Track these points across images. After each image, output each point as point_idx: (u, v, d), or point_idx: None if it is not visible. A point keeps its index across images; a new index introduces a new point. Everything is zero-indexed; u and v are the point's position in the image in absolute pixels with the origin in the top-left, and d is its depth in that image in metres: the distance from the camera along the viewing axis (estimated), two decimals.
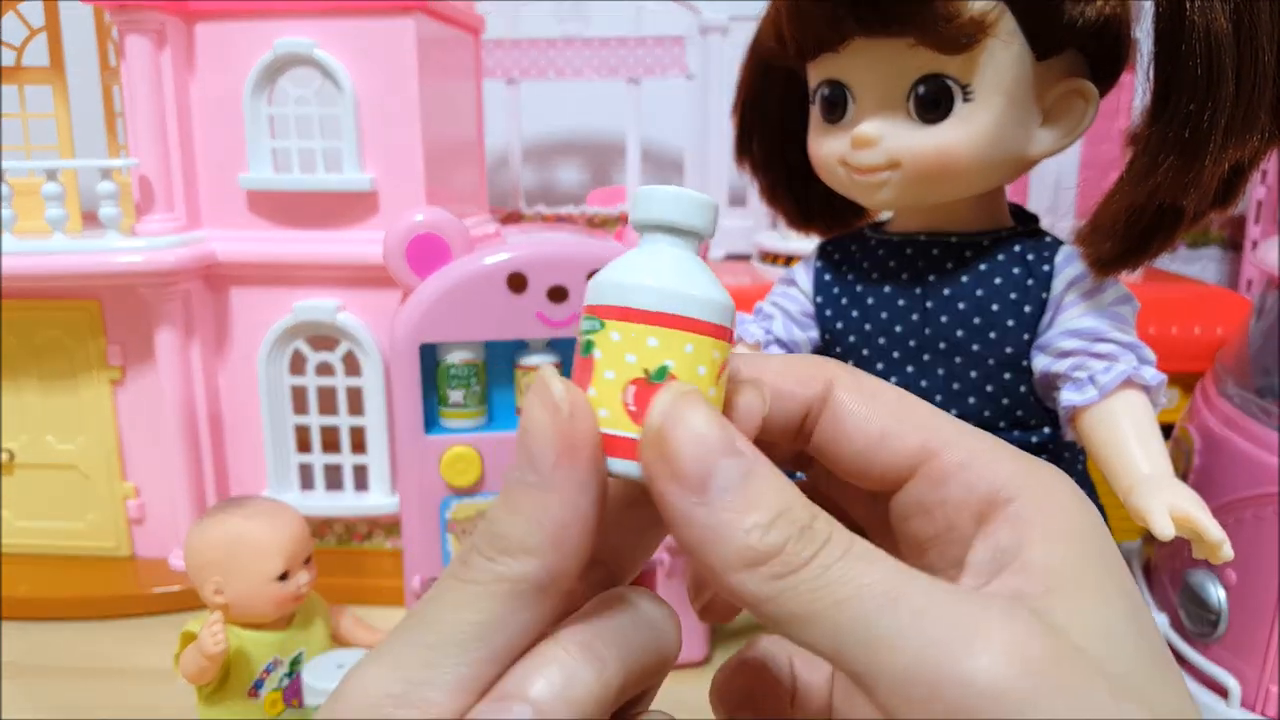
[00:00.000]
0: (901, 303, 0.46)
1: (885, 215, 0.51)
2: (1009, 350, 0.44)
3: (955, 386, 0.45)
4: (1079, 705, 0.14)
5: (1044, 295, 0.44)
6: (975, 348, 0.44)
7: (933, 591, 0.15)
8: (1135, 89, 0.40)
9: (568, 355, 0.59)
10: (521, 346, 0.59)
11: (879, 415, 0.18)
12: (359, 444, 0.69)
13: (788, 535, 0.15)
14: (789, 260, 0.81)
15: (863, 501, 0.20)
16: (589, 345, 0.18)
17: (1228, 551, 0.36)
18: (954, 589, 0.15)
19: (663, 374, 0.17)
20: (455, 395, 0.58)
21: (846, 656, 0.15)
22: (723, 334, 0.18)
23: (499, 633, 0.16)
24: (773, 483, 0.16)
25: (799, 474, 0.21)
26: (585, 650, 0.16)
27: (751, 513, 0.15)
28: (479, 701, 0.16)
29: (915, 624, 0.14)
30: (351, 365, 0.68)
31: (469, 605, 0.16)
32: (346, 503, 0.70)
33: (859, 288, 0.48)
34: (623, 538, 0.20)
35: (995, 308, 0.44)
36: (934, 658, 0.14)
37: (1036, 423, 0.45)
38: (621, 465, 0.17)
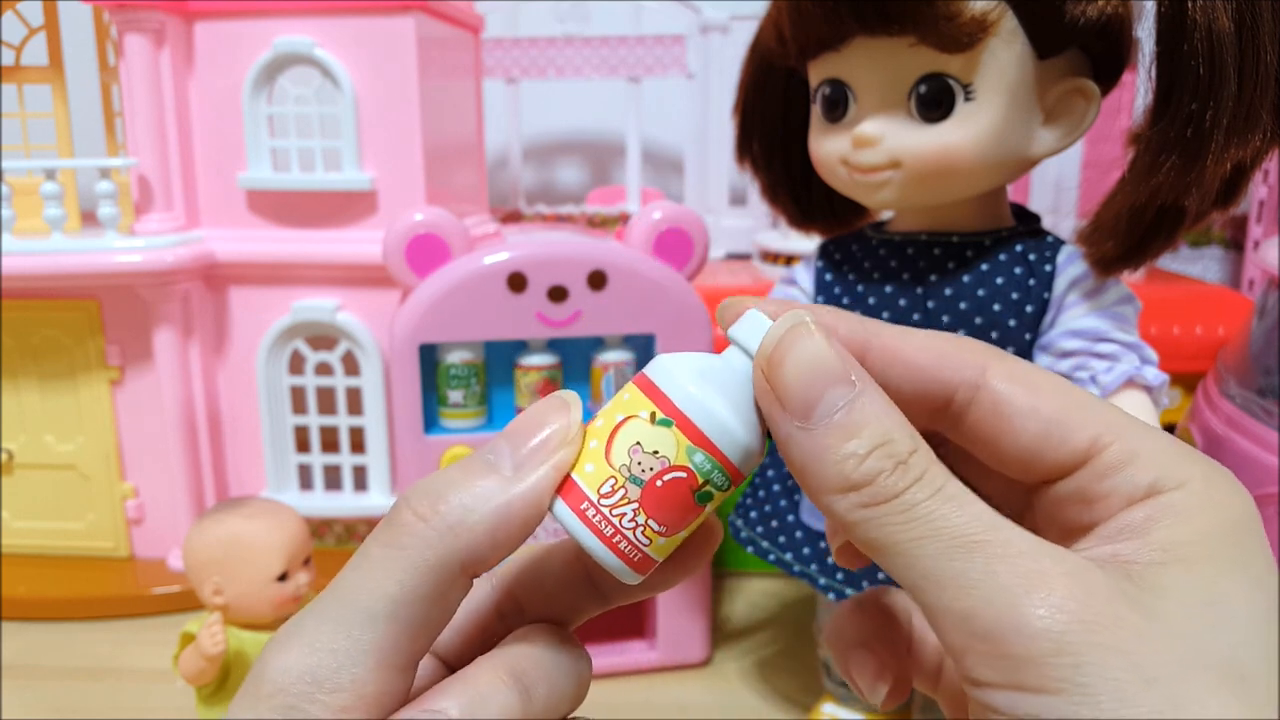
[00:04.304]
0: (903, 302, 0.46)
1: (886, 215, 0.51)
2: (1010, 350, 0.44)
3: None
4: (1135, 667, 0.14)
5: (1046, 295, 0.43)
6: None
7: (1013, 541, 0.15)
8: (1137, 88, 0.40)
9: (567, 355, 0.59)
10: (521, 346, 0.59)
11: (1046, 407, 0.17)
12: (358, 444, 0.69)
13: (881, 467, 0.16)
14: (790, 260, 0.81)
15: (1003, 485, 0.19)
16: (637, 413, 0.18)
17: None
18: (1039, 543, 0.15)
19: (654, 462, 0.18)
20: (455, 395, 0.57)
21: (920, 590, 0.15)
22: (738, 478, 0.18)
23: (422, 604, 0.16)
24: (877, 412, 0.16)
25: None
26: (515, 678, 0.17)
27: (850, 440, 0.16)
28: (403, 684, 0.16)
29: (987, 570, 0.15)
30: (351, 365, 0.68)
31: (394, 576, 0.16)
32: (346, 503, 0.70)
33: (860, 287, 0.48)
34: (558, 600, 0.20)
35: (997, 307, 0.44)
36: (997, 603, 0.14)
37: None
38: (563, 510, 0.18)
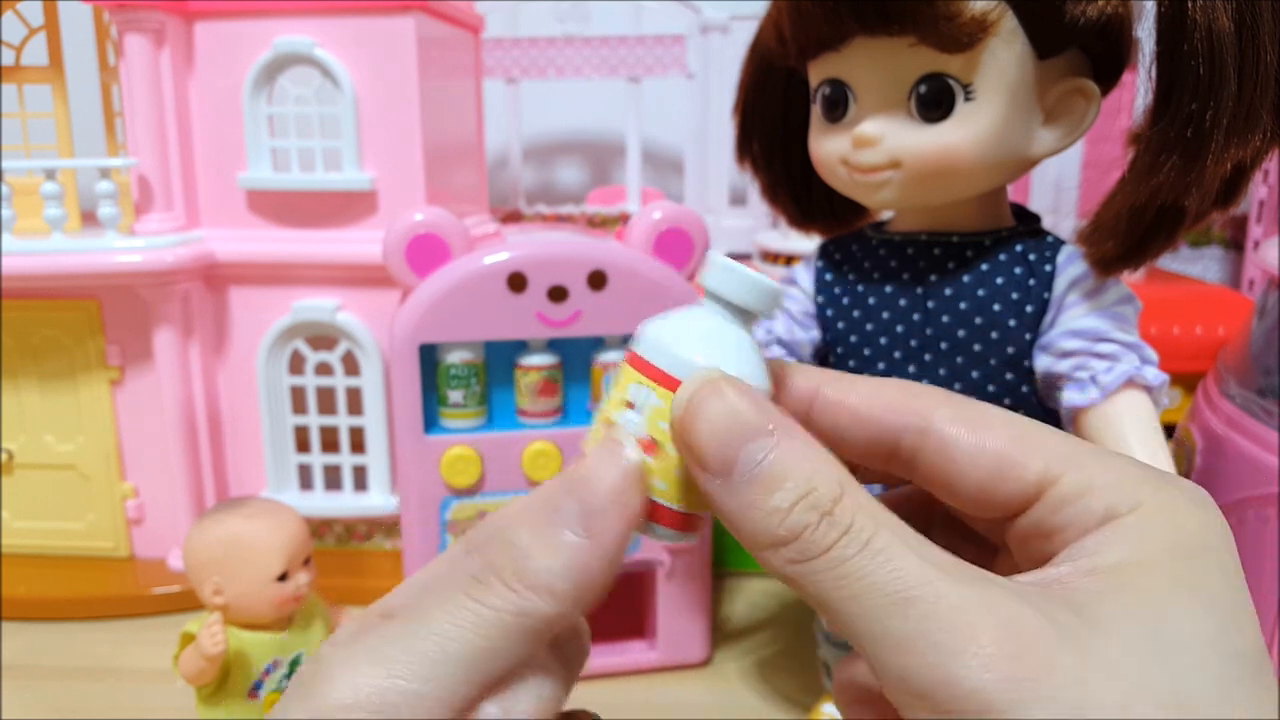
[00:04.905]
0: (903, 302, 0.46)
1: (886, 215, 0.51)
2: (1011, 350, 0.44)
3: (957, 387, 0.45)
4: (1073, 711, 0.13)
5: (1046, 295, 0.43)
6: (977, 348, 0.44)
7: (944, 595, 0.15)
8: (1137, 88, 0.40)
9: (568, 355, 0.59)
10: (521, 346, 0.59)
11: (993, 444, 0.17)
12: (358, 444, 0.69)
13: (807, 520, 0.15)
14: (790, 260, 0.81)
15: (985, 520, 0.19)
16: (651, 411, 0.18)
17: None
18: (974, 591, 0.15)
19: None
20: (455, 395, 0.57)
21: (858, 645, 0.15)
22: None
23: (499, 659, 0.16)
24: (798, 459, 0.16)
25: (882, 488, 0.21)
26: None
27: (774, 494, 0.16)
28: None
29: (918, 628, 0.14)
30: (350, 365, 0.68)
31: (479, 630, 0.16)
32: (346, 503, 0.70)
33: (860, 287, 0.48)
34: None
35: (997, 307, 0.44)
36: (929, 661, 0.14)
37: None
38: (666, 533, 0.19)
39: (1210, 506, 0.16)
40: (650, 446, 0.18)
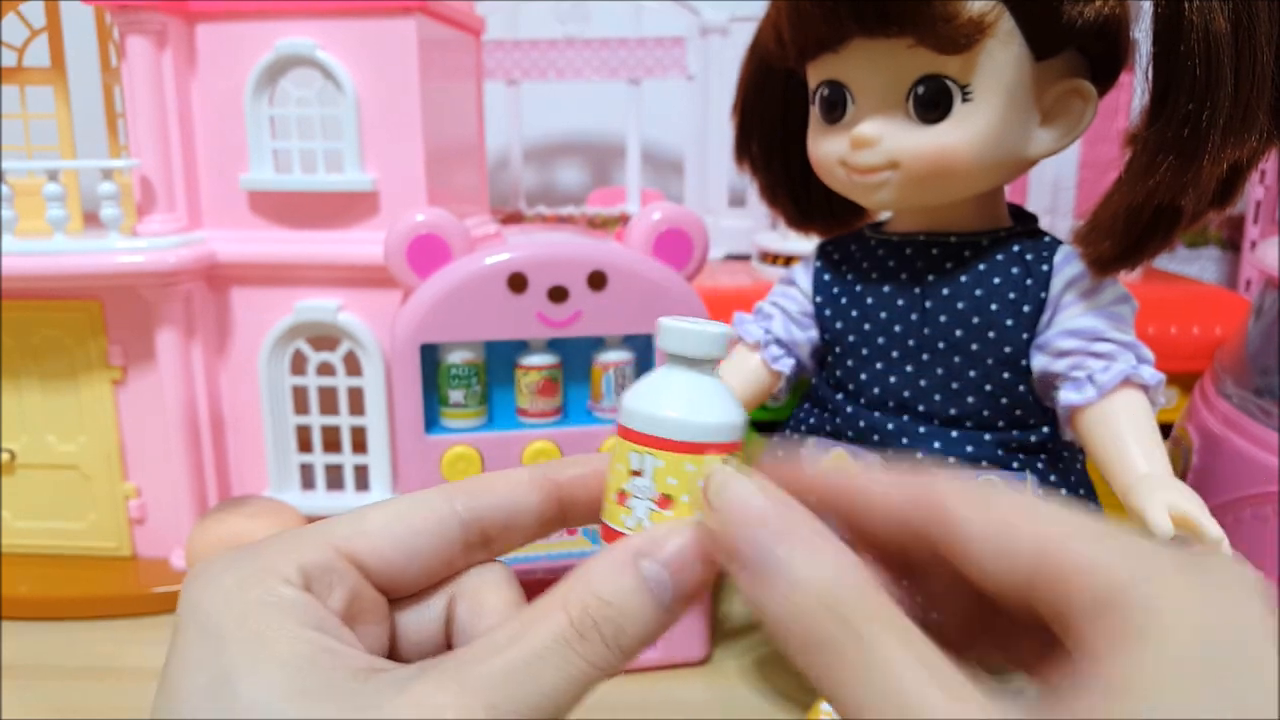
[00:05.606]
0: (900, 302, 0.46)
1: (884, 215, 0.51)
2: (1008, 350, 0.44)
3: (954, 386, 0.45)
4: None
5: (1043, 295, 0.44)
6: (974, 347, 0.45)
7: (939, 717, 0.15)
8: (1134, 89, 0.40)
9: (568, 355, 0.59)
10: (522, 346, 0.59)
11: (994, 527, 0.17)
12: (360, 444, 0.70)
13: (820, 620, 0.16)
14: (788, 260, 0.81)
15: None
16: (654, 472, 0.21)
17: (1226, 550, 0.36)
18: (972, 709, 0.14)
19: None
20: (456, 395, 0.58)
21: None
22: (726, 449, 0.22)
23: (576, 703, 0.18)
24: (819, 562, 0.17)
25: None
26: None
27: (794, 592, 0.17)
28: None
29: None
30: (352, 365, 0.68)
31: (579, 681, 0.18)
32: (347, 502, 0.70)
33: (858, 288, 0.48)
34: (529, 534, 0.23)
35: (994, 307, 0.44)
36: None
37: (1035, 422, 0.45)
38: None
39: (1241, 578, 0.14)
40: (665, 502, 0.21)
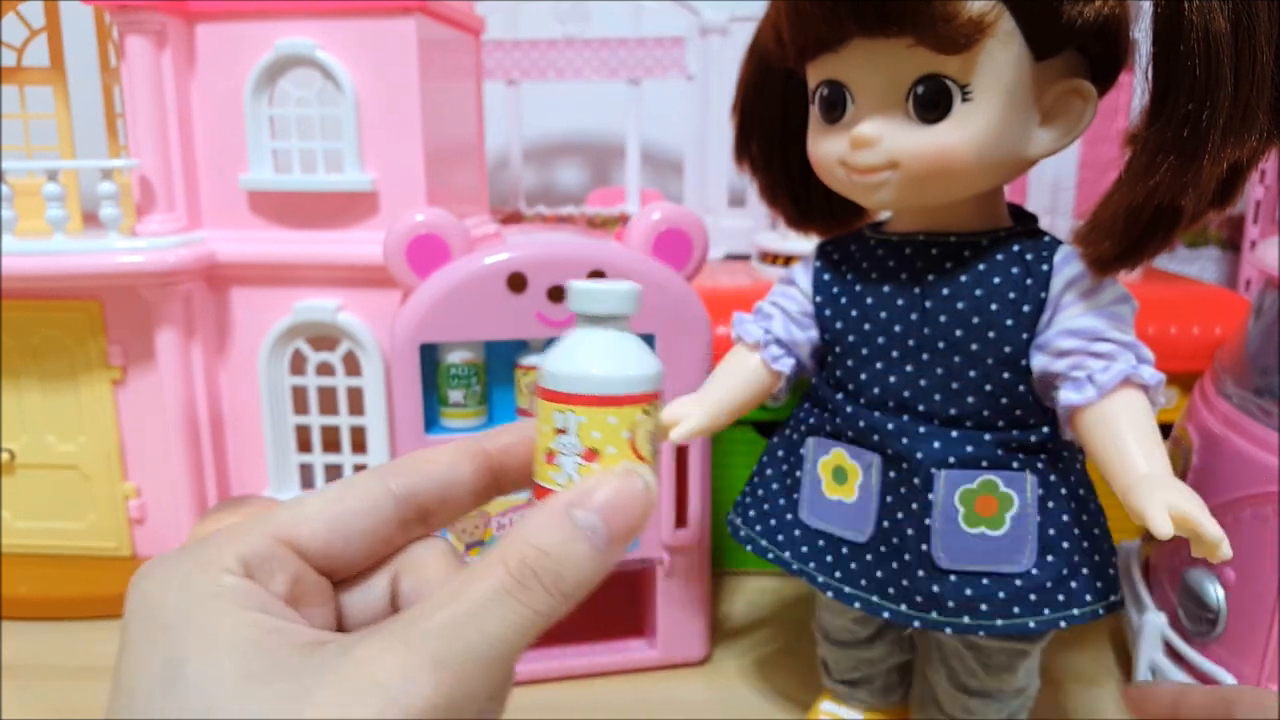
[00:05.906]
0: (900, 302, 0.46)
1: (884, 215, 0.51)
2: (1008, 350, 0.44)
3: (954, 386, 0.45)
4: None
5: (1043, 295, 0.44)
6: (974, 347, 0.45)
7: None
8: (1134, 89, 0.40)
9: None
10: (521, 346, 0.59)
11: None
12: (359, 444, 0.70)
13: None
14: (788, 260, 0.81)
15: None
16: (578, 428, 0.22)
17: (1226, 550, 0.36)
18: None
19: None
20: (455, 395, 0.58)
21: None
22: (644, 400, 0.23)
23: (521, 650, 0.19)
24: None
25: None
26: None
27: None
28: None
29: None
30: (352, 365, 0.68)
31: (522, 628, 0.19)
32: None
33: (858, 287, 0.48)
34: (465, 507, 0.25)
35: (994, 307, 0.44)
36: None
37: (1035, 422, 0.45)
38: None
39: None
40: (591, 455, 0.22)
